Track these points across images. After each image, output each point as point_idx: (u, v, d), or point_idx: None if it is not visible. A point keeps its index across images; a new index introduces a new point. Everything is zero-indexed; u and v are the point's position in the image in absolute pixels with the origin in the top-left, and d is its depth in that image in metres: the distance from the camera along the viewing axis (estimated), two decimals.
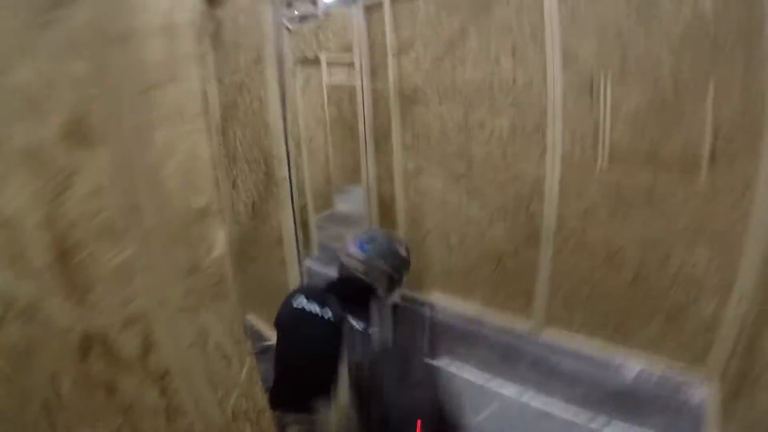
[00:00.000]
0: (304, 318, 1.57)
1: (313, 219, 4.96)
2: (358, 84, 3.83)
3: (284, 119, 2.59)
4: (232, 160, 3.27)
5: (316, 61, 5.60)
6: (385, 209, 4.14)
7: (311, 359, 1.55)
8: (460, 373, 3.12)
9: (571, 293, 3.17)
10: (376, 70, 3.80)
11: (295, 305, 1.63)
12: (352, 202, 6.78)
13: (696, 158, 2.47)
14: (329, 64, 5.72)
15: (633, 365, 2.95)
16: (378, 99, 3.85)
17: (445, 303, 3.90)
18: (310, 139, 5.95)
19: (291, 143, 2.76)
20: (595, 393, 2.82)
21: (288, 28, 4.11)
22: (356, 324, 1.50)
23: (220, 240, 0.92)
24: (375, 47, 3.75)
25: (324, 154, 6.06)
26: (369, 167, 4.07)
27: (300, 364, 1.57)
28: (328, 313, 1.57)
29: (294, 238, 2.79)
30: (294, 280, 2.81)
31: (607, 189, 2.83)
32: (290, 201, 2.70)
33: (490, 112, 3.25)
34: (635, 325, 2.94)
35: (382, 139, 3.96)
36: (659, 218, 2.69)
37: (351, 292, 1.65)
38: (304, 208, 4.91)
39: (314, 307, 1.58)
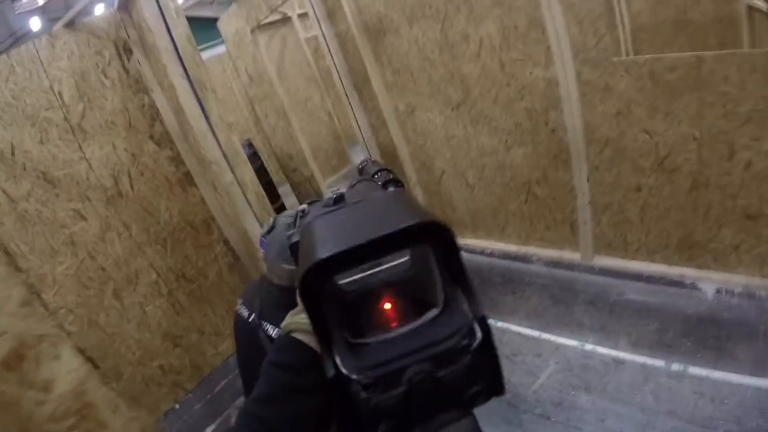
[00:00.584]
0: (236, 322, 1.40)
1: (324, 186, 4.56)
2: (318, 33, 3.24)
3: (206, 118, 2.15)
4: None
5: (285, 20, 4.95)
6: (390, 158, 3.65)
7: (240, 366, 1.42)
8: (510, 326, 2.73)
9: (620, 213, 2.61)
10: (333, 12, 3.18)
11: (236, 308, 1.44)
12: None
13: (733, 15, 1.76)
14: (301, 17, 5.04)
15: (707, 285, 2.41)
16: (344, 42, 3.25)
17: (481, 245, 3.46)
18: (306, 100, 5.44)
19: (224, 140, 2.33)
20: (668, 325, 2.36)
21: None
22: (271, 330, 1.21)
23: None
24: None
25: (324, 111, 5.53)
26: (358, 119, 3.56)
27: (240, 370, 1.44)
28: (251, 317, 1.33)
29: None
30: None
31: (639, 80, 2.18)
32: (248, 205, 2.31)
33: (471, 19, 2.59)
34: (702, 238, 2.38)
35: (362, 84, 3.39)
36: (713, 105, 2.03)
37: (266, 294, 1.31)
38: (311, 178, 4.52)
39: (243, 311, 1.37)
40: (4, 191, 2.40)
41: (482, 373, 0.42)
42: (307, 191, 4.79)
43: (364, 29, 3.07)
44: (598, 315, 2.58)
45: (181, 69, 2.14)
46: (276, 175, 5.13)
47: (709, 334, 2.23)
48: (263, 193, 2.62)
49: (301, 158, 4.41)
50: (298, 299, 0.47)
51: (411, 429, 0.42)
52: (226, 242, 3.20)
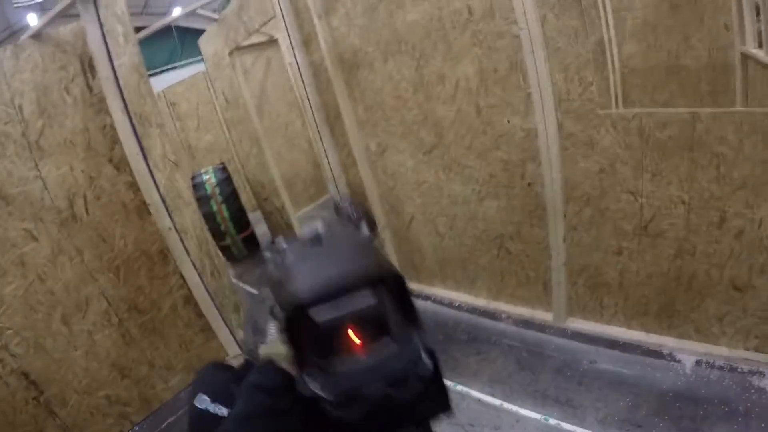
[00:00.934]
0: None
1: (294, 218, 4.33)
2: (290, 61, 3.07)
3: (144, 157, 1.95)
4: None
5: (271, 42, 4.79)
6: (359, 198, 3.44)
7: None
8: (470, 391, 2.49)
9: (597, 275, 2.42)
10: (308, 40, 3.01)
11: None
12: None
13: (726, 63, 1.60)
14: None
15: (686, 357, 2.22)
16: (318, 72, 3.08)
17: (449, 297, 3.23)
18: (286, 126, 5.26)
19: (165, 182, 2.12)
20: (642, 401, 2.14)
21: (214, 18, 3.39)
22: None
23: None
24: (300, 13, 2.94)
25: (305, 138, 5.34)
26: (329, 155, 3.36)
27: None
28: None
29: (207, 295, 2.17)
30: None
31: (627, 135, 2.00)
32: (185, 253, 2.08)
33: (448, 58, 2.43)
34: (684, 307, 2.19)
35: (334, 118, 3.21)
36: (706, 167, 1.86)
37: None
38: (281, 209, 4.30)
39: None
40: None
41: (432, 394, 0.50)
42: (277, 221, 4.58)
43: (339, 61, 2.90)
44: (566, 385, 2.35)
45: (120, 102, 1.94)
46: (248, 203, 4.92)
47: (685, 413, 2.02)
48: (207, 237, 2.40)
49: (273, 188, 4.20)
50: (278, 332, 0.55)
51: None
52: (182, 275, 2.98)
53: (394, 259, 3.48)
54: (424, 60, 2.52)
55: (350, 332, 0.51)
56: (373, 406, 0.48)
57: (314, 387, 0.48)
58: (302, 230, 0.65)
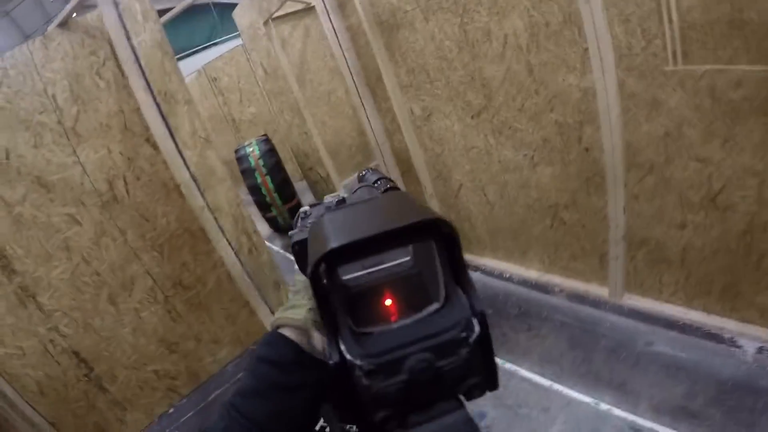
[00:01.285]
0: None
1: (340, 187, 4.29)
2: (326, 25, 2.93)
3: (171, 135, 1.92)
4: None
5: (308, 9, 4.63)
6: (405, 166, 3.34)
7: None
8: (519, 369, 2.40)
9: (658, 250, 2.20)
10: (343, 3, 2.86)
11: None
12: None
13: None
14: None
15: (748, 343, 2.00)
16: (356, 36, 2.94)
17: (499, 267, 3.11)
18: (329, 93, 5.15)
19: (196, 160, 2.09)
20: (698, 389, 1.96)
21: None
22: None
23: None
24: None
25: (349, 105, 5.22)
26: (372, 121, 3.25)
27: None
28: None
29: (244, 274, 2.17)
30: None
31: (695, 96, 1.75)
32: (220, 232, 2.08)
33: (494, 12, 2.21)
34: (750, 288, 1.95)
35: (375, 83, 3.08)
36: None
37: None
38: (326, 178, 4.27)
39: None
40: None
41: (479, 366, 0.43)
42: (322, 191, 4.55)
43: (377, 23, 2.73)
44: (620, 368, 2.20)
45: (143, 81, 1.91)
46: (294, 173, 4.92)
47: (743, 404, 1.83)
48: (244, 214, 2.39)
49: (316, 157, 4.15)
50: (301, 294, 0.51)
51: (408, 418, 0.43)
52: None
53: None
54: (468, 16, 2.31)
55: (386, 293, 0.46)
56: (415, 377, 0.41)
57: (347, 353, 0.41)
58: (325, 199, 0.61)
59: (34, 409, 2.45)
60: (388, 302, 0.46)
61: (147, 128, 2.60)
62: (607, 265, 2.42)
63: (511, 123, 2.47)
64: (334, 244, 0.39)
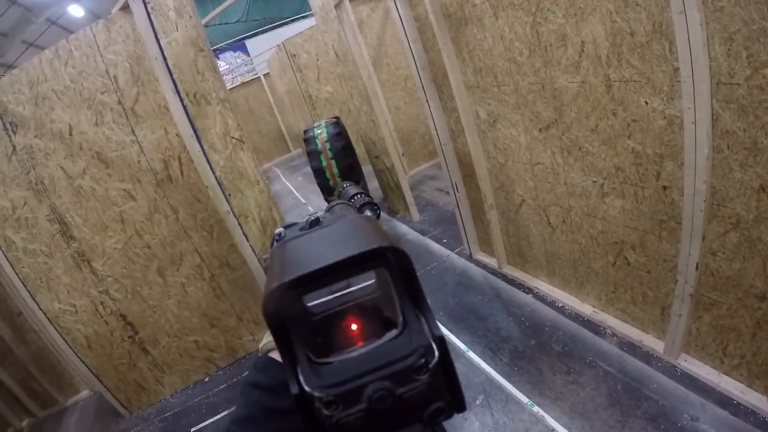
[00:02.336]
0: None
1: (404, 179, 4.14)
2: (393, 14, 2.74)
3: (197, 137, 1.88)
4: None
5: None
6: (467, 170, 3.10)
7: None
8: (545, 416, 2.17)
9: (728, 317, 1.82)
10: None
11: None
12: None
13: None
14: None
15: None
16: (423, 28, 2.71)
17: (553, 295, 2.81)
18: (405, 79, 4.95)
19: (224, 163, 2.04)
20: None
21: None
22: None
23: None
24: None
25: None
26: (435, 119, 3.03)
27: None
28: None
29: None
30: None
31: None
32: (243, 237, 2.03)
33: (571, 14, 1.88)
34: None
35: (441, 79, 2.85)
36: None
37: None
38: (391, 169, 4.13)
39: None
40: (62, 168, 2.53)
41: (442, 390, 0.43)
42: (387, 181, 4.43)
43: (444, 15, 2.49)
44: None
45: (170, 82, 1.88)
46: (362, 157, 4.84)
47: None
48: (276, 218, 2.35)
49: (383, 147, 4.02)
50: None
51: None
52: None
53: (499, 242, 3.14)
54: (542, 15, 2.00)
55: (345, 320, 0.44)
56: (374, 406, 0.40)
57: (305, 384, 0.41)
58: (305, 218, 0.59)
59: (81, 360, 2.70)
60: (349, 329, 0.44)
61: None
62: (668, 319, 2.08)
63: (582, 144, 2.14)
64: (285, 277, 0.39)
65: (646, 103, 1.77)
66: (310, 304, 0.43)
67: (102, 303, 2.78)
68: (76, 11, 9.96)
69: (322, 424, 0.41)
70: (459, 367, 2.63)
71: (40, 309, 2.66)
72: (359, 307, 0.44)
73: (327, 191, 4.40)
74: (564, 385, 2.31)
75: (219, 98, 2.17)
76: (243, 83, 10.45)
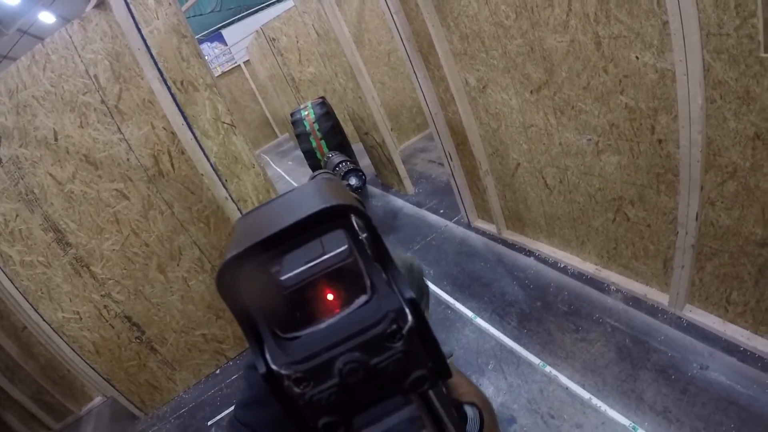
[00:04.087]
0: None
1: (395, 153, 4.12)
2: None
3: (189, 125, 1.84)
4: None
5: None
6: (459, 138, 3.09)
7: None
8: (558, 375, 2.23)
9: (730, 265, 1.87)
10: None
11: None
12: None
13: None
14: None
15: None
16: None
17: (555, 256, 2.85)
18: (388, 54, 4.86)
19: (217, 150, 2.02)
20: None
21: None
22: None
23: None
24: None
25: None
26: (424, 89, 3.00)
27: None
28: None
29: None
30: None
31: None
32: None
33: None
34: None
35: (427, 48, 2.80)
36: None
37: None
38: (382, 144, 4.11)
39: None
40: (51, 174, 2.49)
41: (421, 357, 0.40)
42: (378, 157, 4.41)
43: None
44: (667, 391, 1.95)
45: (156, 72, 1.83)
46: (350, 136, 4.79)
47: None
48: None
49: (372, 122, 3.98)
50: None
51: (354, 420, 0.40)
52: None
53: (497, 208, 3.15)
54: None
55: (312, 291, 0.41)
56: (346, 380, 0.38)
57: (272, 362, 0.38)
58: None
59: (91, 367, 2.71)
60: (317, 300, 0.41)
61: None
62: (671, 271, 2.12)
63: (575, 102, 2.14)
64: (230, 253, 0.36)
65: (637, 58, 1.76)
66: (285, 277, 0.40)
67: (105, 307, 2.78)
68: (47, 18, 9.67)
69: (296, 403, 0.38)
70: (467, 335, 2.69)
71: (44, 320, 2.65)
72: (327, 276, 0.41)
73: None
74: (573, 343, 2.36)
75: (206, 84, 2.13)
76: (223, 73, 10.40)
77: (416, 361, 0.40)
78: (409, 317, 0.39)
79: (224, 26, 12.91)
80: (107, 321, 2.81)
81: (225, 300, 0.38)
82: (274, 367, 0.38)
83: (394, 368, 0.39)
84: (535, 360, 2.36)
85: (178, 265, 2.86)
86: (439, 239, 3.66)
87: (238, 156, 2.35)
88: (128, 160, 2.53)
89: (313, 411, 0.39)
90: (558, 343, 2.40)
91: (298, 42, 6.35)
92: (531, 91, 2.33)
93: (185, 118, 2.07)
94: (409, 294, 0.39)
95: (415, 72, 2.96)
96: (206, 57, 11.09)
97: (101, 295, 2.77)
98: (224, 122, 2.24)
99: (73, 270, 2.67)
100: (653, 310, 2.31)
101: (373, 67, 4.78)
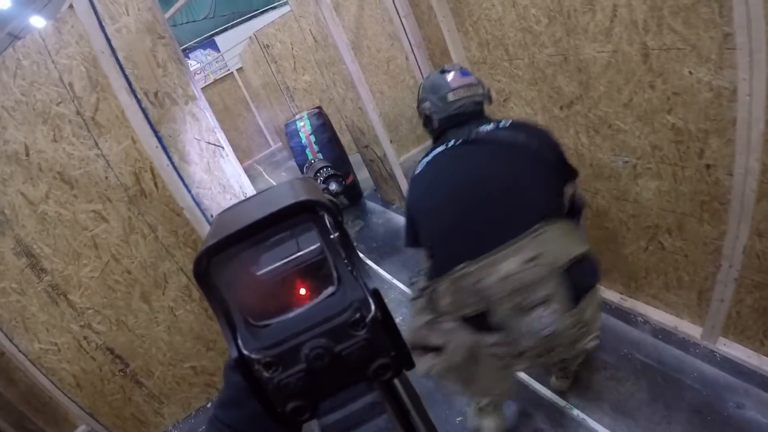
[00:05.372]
0: None
1: (396, 167, 3.89)
2: None
3: (163, 147, 1.59)
4: None
5: None
6: None
7: None
8: (587, 419, 2.03)
9: None
10: None
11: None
12: None
13: None
14: None
15: None
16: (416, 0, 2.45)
17: None
18: (388, 61, 4.65)
19: (195, 176, 1.78)
20: None
21: None
22: None
23: None
24: None
25: (410, 74, 4.71)
26: None
27: None
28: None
29: None
30: None
31: None
32: None
33: None
34: None
35: (440, 56, 2.60)
36: None
37: None
38: (383, 158, 3.88)
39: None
40: (22, 194, 2.23)
41: (385, 346, 0.43)
42: (379, 171, 4.18)
43: None
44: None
45: (123, 80, 1.55)
46: (347, 146, 4.55)
47: None
48: None
49: (373, 135, 3.75)
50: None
51: (319, 405, 0.42)
52: None
53: None
54: None
55: (285, 283, 0.43)
56: (312, 365, 0.40)
57: (243, 348, 0.40)
58: None
59: (72, 401, 2.47)
60: (289, 291, 0.43)
61: None
62: (708, 303, 1.94)
63: (612, 121, 1.94)
64: (207, 244, 0.39)
65: (690, 73, 1.57)
66: (263, 272, 0.42)
67: (85, 338, 2.51)
68: (38, 22, 9.26)
69: (265, 386, 0.40)
70: None
71: (20, 351, 2.40)
72: (298, 270, 0.42)
73: None
74: (602, 382, 2.17)
75: (188, 95, 1.84)
76: (215, 81, 10.26)
77: (379, 349, 0.42)
78: (372, 307, 0.40)
79: (218, 33, 12.73)
80: (88, 353, 2.55)
81: (201, 288, 0.40)
82: (245, 351, 0.40)
83: (358, 355, 0.41)
84: (561, 402, 2.15)
85: (163, 293, 2.60)
86: None
87: (226, 185, 2.10)
88: (106, 178, 2.27)
89: (282, 395, 0.41)
90: (585, 382, 2.20)
91: (293, 49, 6.17)
92: (561, 107, 2.13)
93: (160, 140, 1.78)
94: (372, 285, 0.41)
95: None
96: (199, 64, 10.96)
97: (80, 326, 2.50)
98: (209, 142, 1.98)
99: (49, 298, 2.40)
100: (684, 343, 2.14)
101: (372, 75, 4.58)
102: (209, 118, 2.20)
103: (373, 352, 0.41)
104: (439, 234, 1.54)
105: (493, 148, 1.54)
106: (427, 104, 1.71)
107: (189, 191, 1.92)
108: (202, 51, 12.33)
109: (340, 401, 0.41)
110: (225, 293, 0.40)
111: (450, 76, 1.67)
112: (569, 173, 1.67)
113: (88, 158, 2.21)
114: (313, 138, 3.91)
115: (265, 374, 0.40)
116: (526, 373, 2.34)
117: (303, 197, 0.40)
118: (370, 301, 0.40)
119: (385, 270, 3.61)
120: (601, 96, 1.92)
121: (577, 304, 1.37)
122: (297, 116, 4.14)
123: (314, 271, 0.43)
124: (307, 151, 3.92)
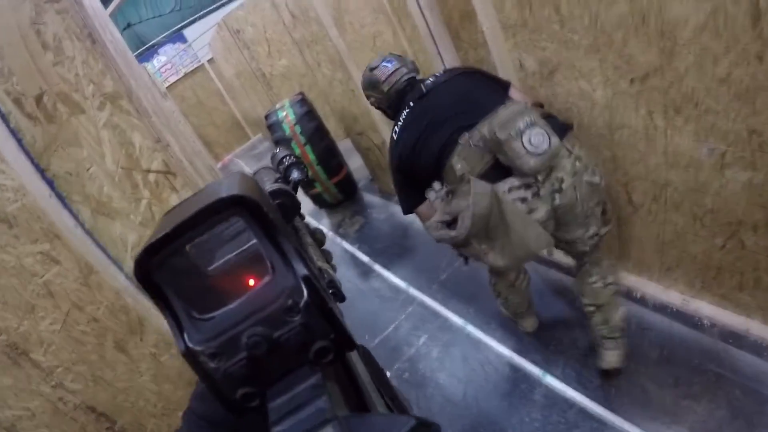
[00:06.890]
0: None
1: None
2: None
3: (59, 196, 1.11)
4: None
5: None
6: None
7: None
8: None
9: None
10: None
11: None
12: None
13: None
14: None
15: None
16: None
17: (629, 283, 2.35)
18: (374, 37, 4.13)
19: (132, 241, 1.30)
20: None
21: None
22: None
23: None
24: None
25: (399, 50, 4.22)
26: None
27: None
28: None
29: None
30: None
31: None
32: None
33: None
34: None
35: (459, 20, 2.16)
36: None
37: None
38: (381, 146, 3.43)
39: None
40: None
41: (323, 329, 0.43)
42: (376, 160, 3.73)
43: None
44: None
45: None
46: (335, 133, 4.08)
47: None
48: None
49: (369, 122, 3.29)
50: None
51: (266, 391, 0.43)
52: None
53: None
54: None
55: (226, 275, 0.44)
56: (252, 352, 0.41)
57: (191, 342, 0.41)
58: None
59: None
60: (231, 283, 0.44)
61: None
62: None
63: (701, 99, 1.56)
64: (146, 245, 0.40)
65: None
66: (212, 267, 0.43)
67: (60, 399, 2.05)
68: None
69: (213, 377, 0.41)
70: (538, 400, 2.15)
71: None
72: (238, 262, 0.43)
73: (306, 184, 3.67)
74: (676, 400, 1.89)
75: (103, 93, 1.20)
76: (186, 74, 9.97)
77: (317, 333, 0.42)
78: (305, 292, 0.41)
79: (186, 26, 12.02)
80: (67, 414, 2.09)
81: (144, 288, 0.40)
82: (190, 344, 0.41)
83: (296, 340, 0.42)
84: (634, 429, 1.85)
85: (141, 339, 2.12)
86: (472, 265, 3.07)
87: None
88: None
89: (230, 384, 0.42)
90: (657, 401, 1.92)
91: (266, 32, 5.69)
92: (632, 80, 1.72)
93: (50, 183, 1.08)
94: (303, 272, 0.41)
95: (440, 54, 2.32)
96: (170, 60, 10.17)
97: (52, 387, 2.03)
98: (149, 170, 1.31)
99: (9, 360, 1.91)
100: (758, 347, 1.88)
101: (358, 53, 4.06)
102: (153, 127, 1.55)
103: (311, 336, 0.42)
104: (438, 150, 1.77)
105: (444, 86, 1.84)
106: (372, 99, 2.07)
107: (122, 270, 1.23)
108: (171, 45, 11.63)
109: (285, 386, 0.42)
110: (167, 290, 0.41)
111: (378, 72, 1.98)
112: (503, 82, 1.95)
113: (23, 187, 1.66)
114: (298, 128, 3.42)
115: (211, 364, 0.41)
116: (580, 390, 2.04)
117: (227, 193, 0.39)
118: (303, 287, 0.41)
119: (399, 277, 3.18)
120: (689, 68, 1.53)
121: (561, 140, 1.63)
122: (278, 105, 3.62)
123: (252, 263, 0.43)
124: (293, 144, 3.43)
